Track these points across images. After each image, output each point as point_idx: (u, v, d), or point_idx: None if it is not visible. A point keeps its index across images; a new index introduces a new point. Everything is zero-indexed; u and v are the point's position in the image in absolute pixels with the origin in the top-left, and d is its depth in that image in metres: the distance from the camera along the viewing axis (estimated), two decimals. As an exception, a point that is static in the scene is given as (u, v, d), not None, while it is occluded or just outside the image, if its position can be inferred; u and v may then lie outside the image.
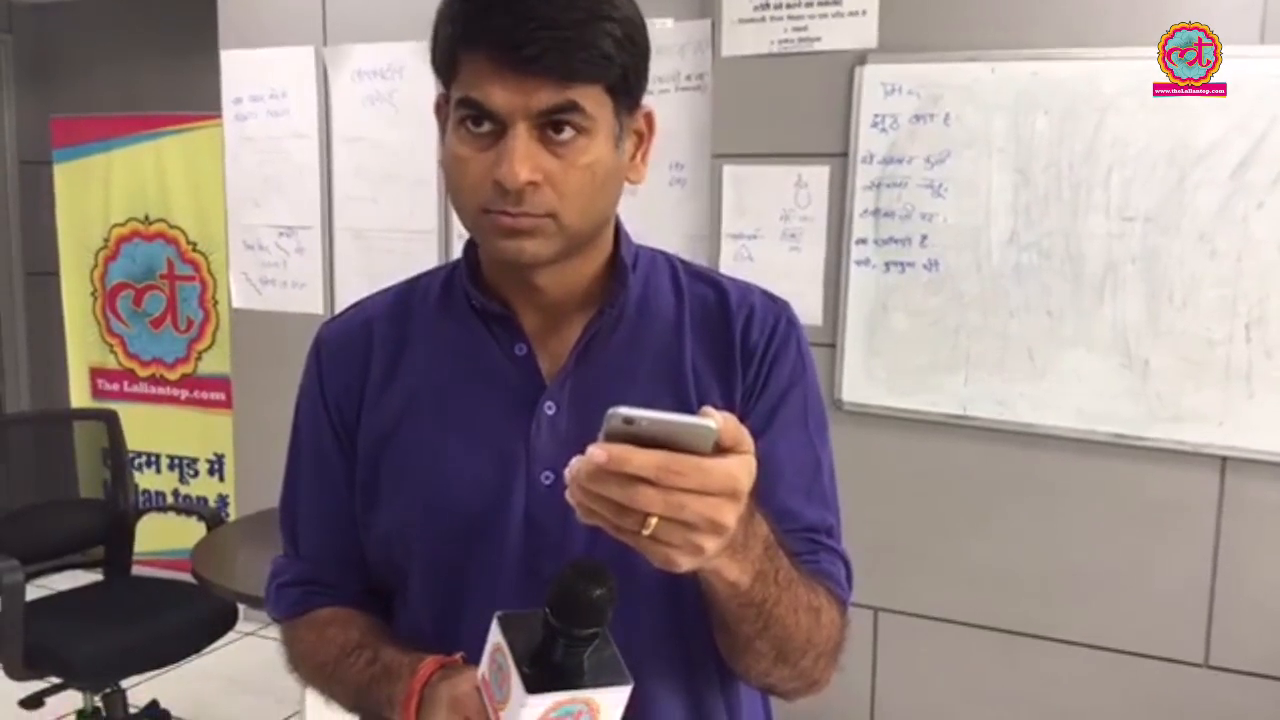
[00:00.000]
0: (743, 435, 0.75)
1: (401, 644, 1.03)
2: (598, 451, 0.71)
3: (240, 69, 3.76)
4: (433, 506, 1.03)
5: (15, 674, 2.82)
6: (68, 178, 4.50)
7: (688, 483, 0.72)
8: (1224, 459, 2.47)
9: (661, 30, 3.03)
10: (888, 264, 2.72)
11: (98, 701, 3.09)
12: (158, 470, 4.49)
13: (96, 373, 4.59)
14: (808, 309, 2.78)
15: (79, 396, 4.59)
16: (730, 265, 2.87)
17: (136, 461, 4.37)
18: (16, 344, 5.18)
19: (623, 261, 1.05)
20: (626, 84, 0.96)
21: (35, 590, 3.06)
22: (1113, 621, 2.61)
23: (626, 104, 0.97)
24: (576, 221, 0.96)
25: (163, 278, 4.43)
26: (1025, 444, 2.63)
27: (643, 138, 1.03)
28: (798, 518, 1.03)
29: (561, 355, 1.04)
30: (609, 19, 0.92)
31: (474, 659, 0.87)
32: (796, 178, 2.82)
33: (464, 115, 0.94)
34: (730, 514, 0.75)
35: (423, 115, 1.08)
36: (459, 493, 1.02)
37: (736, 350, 1.05)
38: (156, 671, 3.23)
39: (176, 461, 4.47)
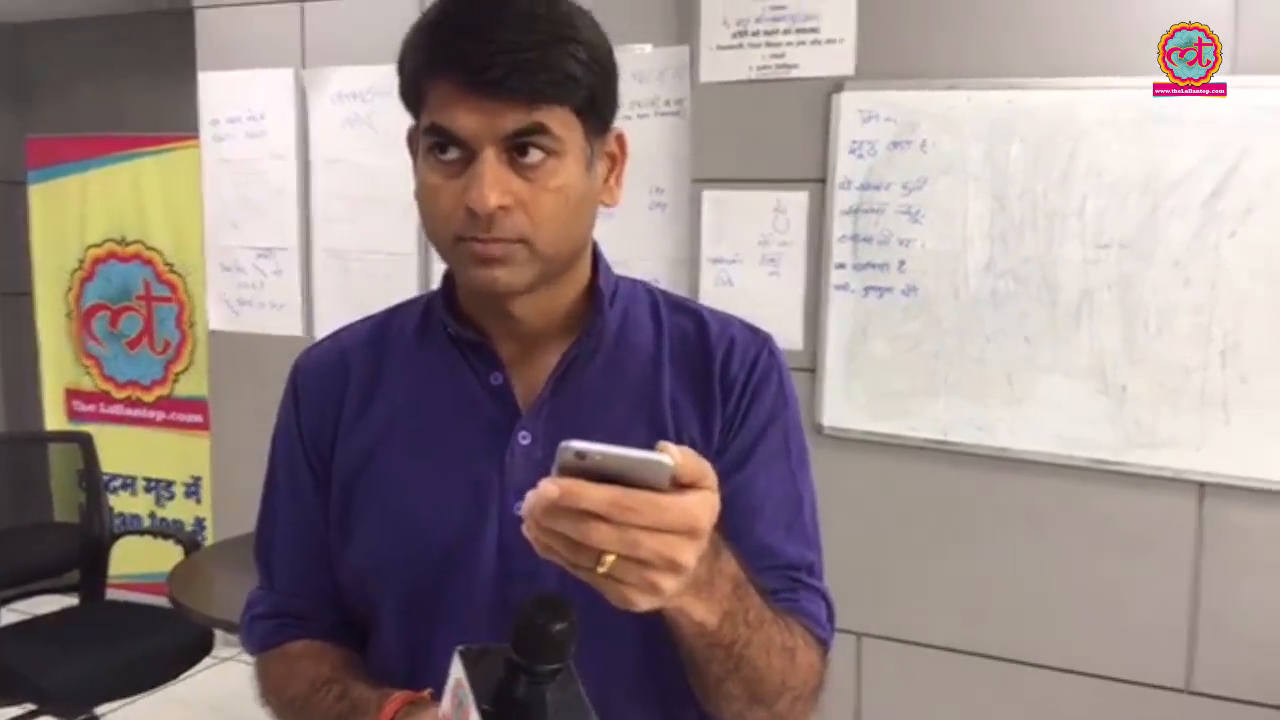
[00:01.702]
0: (704, 471, 0.73)
1: (371, 679, 1.02)
2: (549, 486, 0.69)
3: (218, 90, 3.75)
4: (404, 537, 1.02)
5: (-12, 702, 2.79)
6: (43, 198, 4.47)
7: (642, 519, 0.69)
8: (1201, 484, 2.49)
9: (640, 55, 3.05)
10: (866, 289, 2.74)
11: (72, 729, 3.06)
12: (134, 493, 4.45)
13: (72, 394, 4.55)
14: (787, 334, 2.79)
15: (54, 418, 4.54)
16: (710, 290, 2.88)
17: (112, 484, 4.33)
18: (-10, 365, 5.13)
19: (600, 290, 1.05)
20: (595, 106, 0.95)
21: (9, 615, 3.03)
22: (1092, 646, 2.62)
23: (596, 126, 0.97)
24: (549, 247, 0.96)
25: (139, 299, 4.40)
26: (1004, 469, 2.65)
27: (615, 161, 1.03)
28: (777, 555, 1.01)
29: (538, 385, 1.03)
30: (572, 40, 0.92)
31: (441, 694, 0.86)
32: (775, 203, 2.84)
33: (432, 143, 0.94)
34: (688, 553, 0.72)
35: (402, 138, 1.08)
36: (431, 523, 1.01)
37: (716, 382, 1.04)
38: (132, 698, 3.20)
39: (153, 484, 4.43)
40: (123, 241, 4.39)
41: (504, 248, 0.93)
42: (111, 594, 3.38)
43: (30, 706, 2.95)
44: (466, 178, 0.92)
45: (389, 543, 1.03)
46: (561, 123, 0.93)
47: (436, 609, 1.01)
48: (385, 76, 3.65)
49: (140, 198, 4.32)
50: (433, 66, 0.93)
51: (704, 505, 0.73)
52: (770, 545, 1.01)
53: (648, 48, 3.06)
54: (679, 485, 0.71)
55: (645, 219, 3.09)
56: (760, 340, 1.08)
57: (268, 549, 1.14)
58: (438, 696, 0.88)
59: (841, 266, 2.77)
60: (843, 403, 2.78)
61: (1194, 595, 2.52)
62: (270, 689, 1.11)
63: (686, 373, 1.05)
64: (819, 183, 2.78)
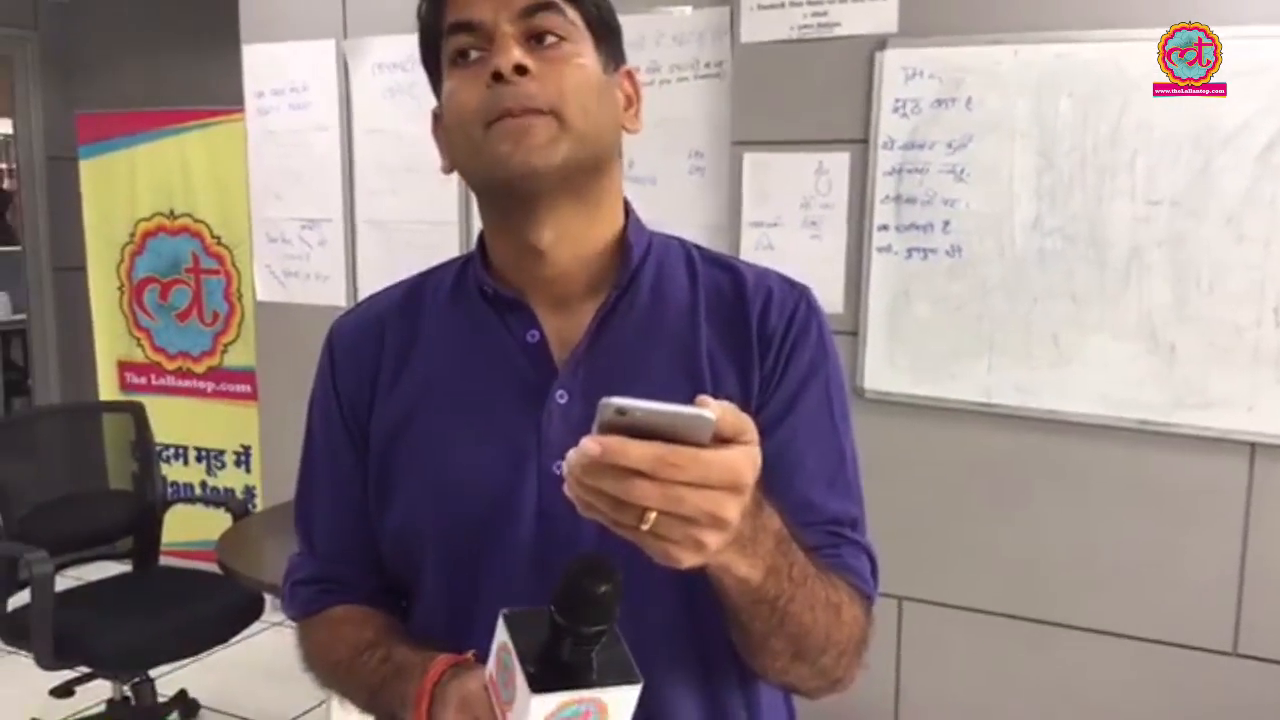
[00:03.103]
0: (745, 425, 0.72)
1: (415, 642, 1.02)
2: (591, 444, 0.68)
3: (262, 63, 3.78)
4: (443, 499, 1.02)
5: (45, 663, 2.86)
6: (93, 173, 4.53)
7: (685, 475, 0.68)
8: (1253, 445, 2.43)
9: (680, 18, 3.02)
10: (910, 250, 2.70)
11: (127, 691, 3.13)
12: (185, 462, 4.53)
13: (124, 366, 4.63)
14: (829, 297, 2.76)
15: (107, 390, 4.63)
16: (751, 254, 2.86)
17: (165, 454, 4.41)
18: (46, 338, 5.24)
19: (630, 241, 1.04)
20: (604, 24, 1.00)
21: (64, 581, 3.10)
22: (1140, 610, 2.58)
23: (607, 50, 1.01)
24: (578, 119, 0.96)
25: (188, 271, 4.46)
26: (1050, 431, 2.61)
27: (631, 99, 1.06)
28: (820, 510, 1.00)
29: (573, 342, 1.02)
30: None
31: (485, 656, 0.86)
32: (817, 164, 2.80)
33: (454, 50, 0.98)
34: (732, 508, 0.71)
35: (442, 107, 1.09)
36: (470, 484, 1.01)
37: (753, 335, 1.02)
38: (185, 661, 3.27)
39: (204, 453, 4.51)
40: (171, 215, 4.45)
41: (534, 120, 0.94)
42: (164, 560, 3.45)
43: (85, 669, 3.02)
44: (490, 65, 0.96)
45: (428, 505, 1.03)
46: (572, 17, 0.97)
47: (477, 569, 1.01)
48: (425, 45, 3.67)
49: (187, 171, 4.37)
50: None
51: (746, 459, 0.72)
52: (813, 500, 1.00)
53: (688, 10, 3.03)
54: (720, 440, 0.70)
55: (685, 183, 3.07)
56: (798, 292, 1.06)
57: (307, 515, 1.15)
58: (481, 658, 0.88)
59: (884, 228, 2.73)
60: (885, 366, 2.75)
61: (1243, 558, 2.47)
62: (313, 654, 1.12)
63: (723, 326, 1.03)
64: (861, 143, 2.74)
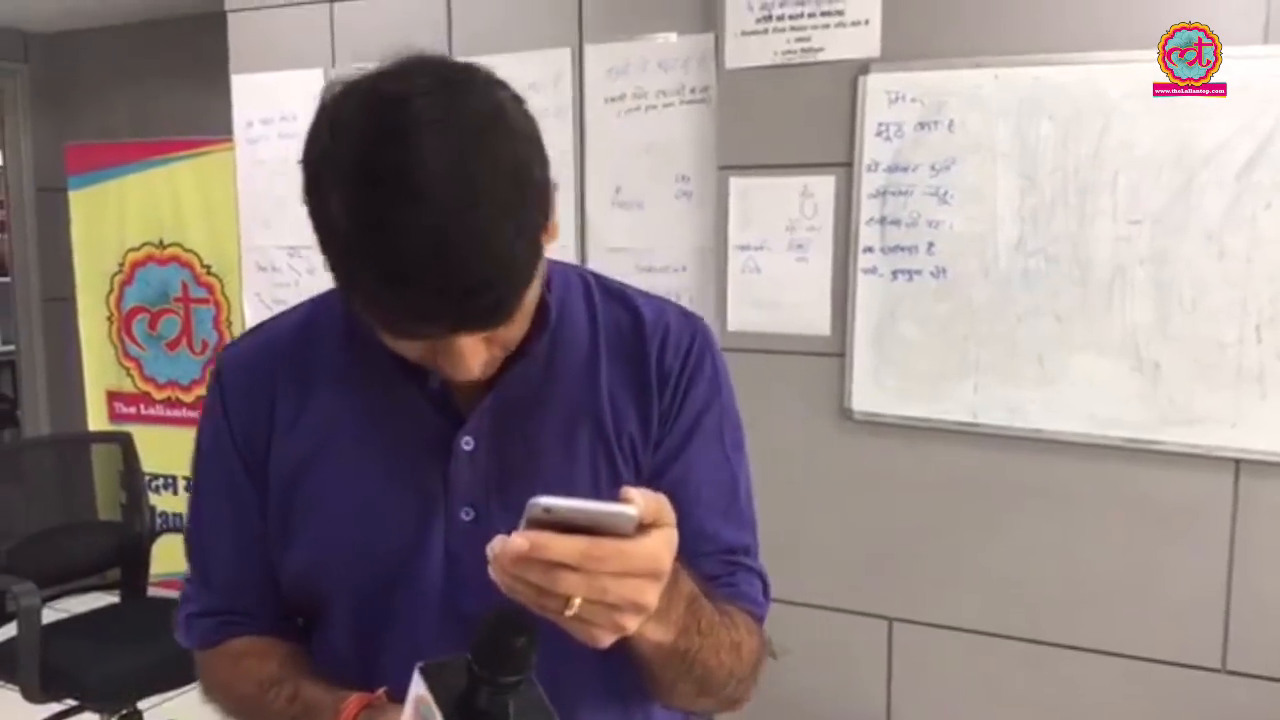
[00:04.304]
0: (663, 510, 0.76)
1: (322, 679, 1.02)
2: (519, 540, 0.71)
3: (251, 93, 3.79)
4: (350, 545, 1.02)
5: (32, 697, 2.84)
6: (83, 204, 4.54)
7: (609, 567, 0.72)
8: (1238, 461, 2.44)
9: (665, 44, 3.04)
10: (895, 272, 2.72)
11: (115, 723, 3.11)
12: (175, 492, 4.51)
13: (113, 396, 4.62)
14: (815, 319, 2.78)
15: (97, 420, 4.62)
16: (737, 277, 2.87)
17: (154, 483, 4.39)
18: (35, 369, 5.23)
19: (546, 304, 0.99)
20: (548, 218, 0.89)
21: (51, 613, 3.08)
22: (1128, 627, 2.58)
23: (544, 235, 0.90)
24: (516, 343, 0.96)
25: (177, 301, 4.46)
26: (1036, 450, 2.61)
27: (551, 235, 0.93)
28: (715, 539, 1.04)
29: (476, 387, 1.00)
30: (522, 212, 0.84)
31: (396, 694, 0.87)
32: (802, 188, 2.82)
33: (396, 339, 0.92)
34: (652, 594, 0.76)
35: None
36: (377, 531, 1.01)
37: (653, 374, 1.05)
38: (173, 692, 3.24)
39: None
40: (160, 245, 4.45)
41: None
42: (153, 591, 3.43)
43: (73, 702, 3.00)
44: (437, 344, 0.89)
45: (334, 552, 1.03)
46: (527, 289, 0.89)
47: (386, 614, 1.02)
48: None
49: (177, 201, 4.38)
50: (393, 325, 0.88)
51: (666, 545, 0.76)
52: (708, 531, 1.04)
53: (672, 36, 3.05)
54: (639, 526, 0.74)
55: (671, 207, 3.09)
56: (692, 325, 1.09)
57: (202, 547, 1.13)
58: (393, 697, 0.90)
59: (869, 250, 2.74)
60: (872, 387, 2.76)
61: (1230, 574, 2.47)
62: (215, 687, 1.11)
63: (623, 365, 1.05)
64: (846, 166, 2.76)
